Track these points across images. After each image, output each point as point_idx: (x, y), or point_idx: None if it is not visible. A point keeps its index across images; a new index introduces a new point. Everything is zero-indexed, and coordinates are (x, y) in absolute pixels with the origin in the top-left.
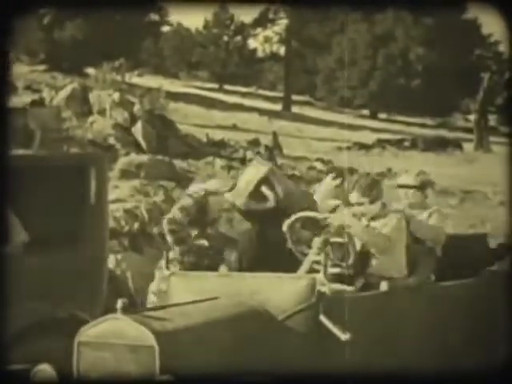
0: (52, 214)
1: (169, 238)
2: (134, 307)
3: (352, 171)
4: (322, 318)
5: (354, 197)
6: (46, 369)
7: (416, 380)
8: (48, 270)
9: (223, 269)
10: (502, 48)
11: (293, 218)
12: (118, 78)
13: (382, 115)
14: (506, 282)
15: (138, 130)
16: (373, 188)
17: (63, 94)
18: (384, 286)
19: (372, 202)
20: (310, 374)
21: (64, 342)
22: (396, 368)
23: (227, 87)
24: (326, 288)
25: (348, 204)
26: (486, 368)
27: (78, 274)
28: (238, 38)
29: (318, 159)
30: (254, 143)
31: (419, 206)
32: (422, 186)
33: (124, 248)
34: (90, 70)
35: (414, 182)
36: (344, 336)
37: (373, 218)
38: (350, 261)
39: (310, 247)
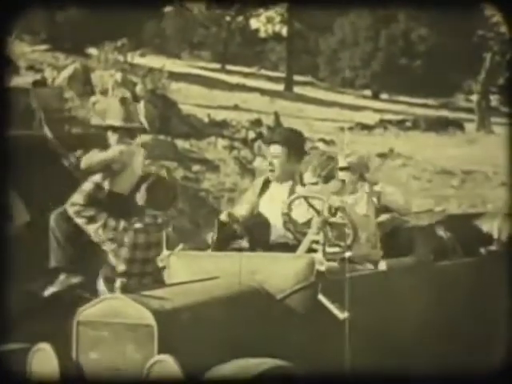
0: (54, 195)
1: None
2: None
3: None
4: (321, 297)
5: (307, 177)
6: (45, 348)
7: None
8: (49, 249)
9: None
10: (504, 29)
11: (292, 197)
12: (120, 58)
13: (384, 96)
14: (505, 262)
15: (140, 109)
16: (324, 167)
17: (65, 74)
18: (383, 265)
19: (326, 181)
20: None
21: (67, 321)
22: (395, 347)
23: (229, 67)
24: (325, 267)
25: (303, 185)
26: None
27: None
28: (240, 18)
29: (320, 139)
30: (256, 123)
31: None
32: (353, 168)
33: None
34: (92, 50)
35: (345, 164)
36: (342, 315)
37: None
38: (349, 241)
39: (308, 227)
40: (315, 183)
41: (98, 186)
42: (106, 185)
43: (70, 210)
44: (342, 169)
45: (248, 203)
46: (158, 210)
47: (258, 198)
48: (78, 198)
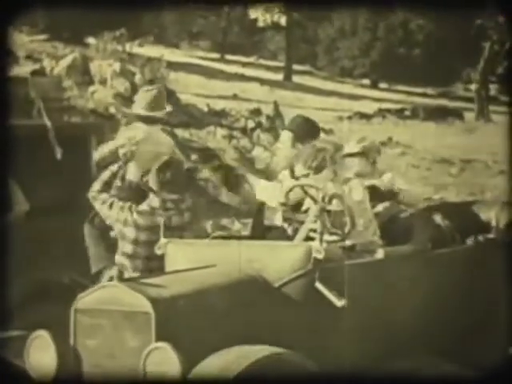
0: (53, 183)
1: None
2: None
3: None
4: (318, 285)
5: (298, 169)
6: (43, 335)
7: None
8: (49, 237)
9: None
10: (503, 18)
11: (290, 186)
12: (119, 47)
13: (383, 85)
14: (502, 249)
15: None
16: (314, 158)
17: (64, 63)
18: (380, 253)
19: (317, 172)
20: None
21: (65, 308)
22: (393, 335)
23: (228, 57)
24: (322, 255)
25: (294, 178)
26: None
27: (78, 241)
28: (239, 7)
29: None
30: (256, 113)
31: (368, 174)
32: (366, 153)
33: None
34: (91, 40)
35: (357, 149)
36: (339, 302)
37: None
38: (347, 229)
39: (306, 215)
40: (306, 175)
41: (114, 174)
42: (120, 172)
43: (89, 196)
44: (352, 155)
45: None
46: (169, 193)
47: None
48: (96, 184)
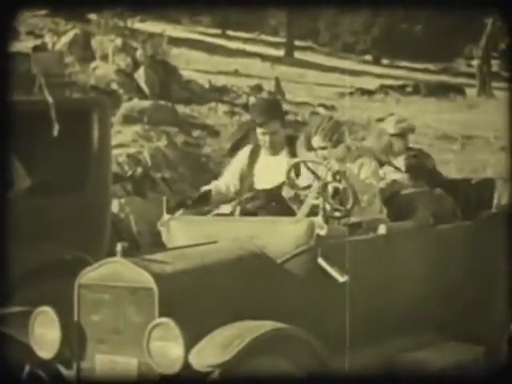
0: (55, 159)
1: None
2: (138, 250)
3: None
4: (320, 261)
5: (316, 141)
6: (46, 311)
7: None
8: (51, 214)
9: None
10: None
11: (293, 162)
12: (121, 23)
13: (385, 61)
14: (505, 225)
15: (140, 75)
16: (335, 132)
17: (65, 39)
18: (382, 228)
19: (335, 145)
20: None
21: (68, 285)
22: (395, 310)
23: (230, 33)
24: (324, 231)
25: (311, 149)
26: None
27: (81, 217)
28: None
29: (320, 104)
30: (257, 89)
31: (399, 152)
32: (403, 134)
33: (127, 192)
34: (92, 16)
35: (395, 130)
36: (342, 278)
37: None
38: (349, 205)
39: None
40: (324, 147)
41: None
42: None
43: None
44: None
45: (238, 176)
46: None
47: (250, 170)
48: None
